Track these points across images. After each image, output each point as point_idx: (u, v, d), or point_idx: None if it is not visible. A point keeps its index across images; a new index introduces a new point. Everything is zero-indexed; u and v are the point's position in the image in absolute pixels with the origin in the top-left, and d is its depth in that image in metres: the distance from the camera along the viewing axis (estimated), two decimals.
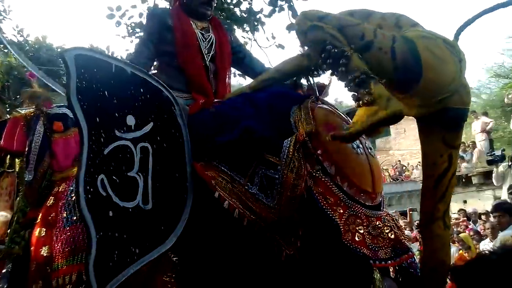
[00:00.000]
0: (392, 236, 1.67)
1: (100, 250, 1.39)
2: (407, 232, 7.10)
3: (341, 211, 1.57)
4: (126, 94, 1.62)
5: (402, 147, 21.88)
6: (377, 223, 1.66)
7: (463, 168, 11.91)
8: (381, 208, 1.79)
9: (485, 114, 13.06)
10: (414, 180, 15.84)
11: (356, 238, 1.55)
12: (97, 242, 1.37)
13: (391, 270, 1.65)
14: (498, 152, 9.06)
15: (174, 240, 1.63)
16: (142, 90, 1.67)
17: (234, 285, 1.75)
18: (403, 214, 10.36)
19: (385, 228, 1.68)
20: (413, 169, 17.24)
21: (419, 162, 16.23)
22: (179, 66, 2.16)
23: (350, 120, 1.95)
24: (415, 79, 1.51)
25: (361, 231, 1.58)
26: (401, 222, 6.99)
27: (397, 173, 17.50)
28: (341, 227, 1.53)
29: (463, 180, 11.85)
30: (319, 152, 1.65)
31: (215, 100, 2.12)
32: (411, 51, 1.50)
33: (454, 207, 10.11)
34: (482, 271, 1.25)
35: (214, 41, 2.24)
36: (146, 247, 1.54)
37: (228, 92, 2.25)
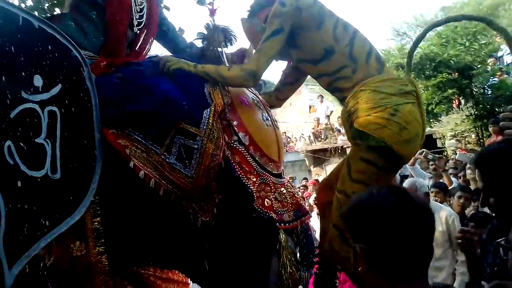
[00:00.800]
0: (294, 201, 1.85)
1: (10, 224, 1.28)
2: None
3: (254, 179, 1.68)
4: (33, 51, 1.47)
5: (287, 119, 23.11)
6: (282, 189, 1.83)
7: (339, 140, 13.12)
8: (283, 176, 1.96)
9: None
10: (297, 151, 16.97)
11: (266, 204, 1.69)
12: (6, 215, 1.27)
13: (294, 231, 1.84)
14: None
15: (83, 211, 1.57)
16: (49, 48, 1.52)
17: (153, 253, 1.78)
18: None
19: (287, 193, 1.85)
20: (296, 141, 18.42)
21: (302, 134, 17.50)
22: (98, 21, 1.94)
23: (258, 94, 2.07)
24: None
25: (270, 197, 1.72)
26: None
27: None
28: (254, 194, 1.65)
29: (339, 151, 13.08)
30: (235, 123, 1.73)
31: (117, 62, 1.92)
32: None
33: None
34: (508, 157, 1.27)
35: (145, 9, 2.06)
36: (56, 219, 1.46)
37: None
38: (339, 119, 14.94)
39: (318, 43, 1.83)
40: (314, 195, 8.06)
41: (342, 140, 12.90)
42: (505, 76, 9.06)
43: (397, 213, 0.98)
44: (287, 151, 18.10)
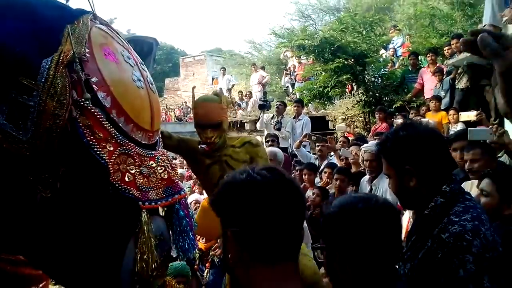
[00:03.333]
0: (166, 176, 1.61)
1: None
2: (180, 170, 7.43)
3: (111, 148, 1.39)
4: None
5: (189, 89, 22.56)
6: (151, 162, 1.57)
7: (239, 115, 13.09)
8: (157, 148, 1.71)
9: (263, 68, 14.54)
10: None
11: (126, 179, 1.42)
12: None
13: (160, 209, 1.60)
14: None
15: None
16: None
17: None
18: None
19: (158, 168, 1.60)
20: None
21: None
22: None
23: (131, 49, 1.75)
24: None
25: (132, 171, 1.45)
26: (176, 161, 7.23)
27: (182, 114, 18.03)
28: (109, 166, 1.37)
29: (238, 125, 13.09)
30: (93, 79, 1.41)
31: None
32: None
33: None
34: None
35: None
36: None
37: None
38: (240, 93, 14.97)
39: None
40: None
41: (241, 115, 12.90)
42: (394, 68, 9.73)
43: (269, 191, 0.96)
44: (186, 121, 17.73)
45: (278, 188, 0.97)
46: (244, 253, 0.96)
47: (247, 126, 12.54)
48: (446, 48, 7.33)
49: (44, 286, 1.87)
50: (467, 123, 5.60)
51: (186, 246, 1.72)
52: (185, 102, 19.69)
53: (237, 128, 13.20)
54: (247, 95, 13.64)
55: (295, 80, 12.20)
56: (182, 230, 1.69)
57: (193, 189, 6.80)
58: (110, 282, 1.41)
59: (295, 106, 7.62)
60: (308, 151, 6.64)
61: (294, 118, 7.48)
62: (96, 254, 1.39)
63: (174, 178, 1.68)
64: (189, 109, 18.91)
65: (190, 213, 1.78)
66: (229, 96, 15.08)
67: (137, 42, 1.91)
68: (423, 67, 8.14)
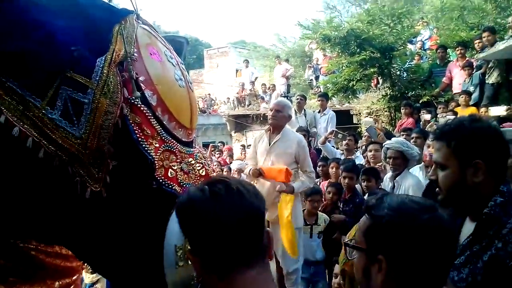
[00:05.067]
0: (203, 173, 1.68)
1: None
2: None
3: (157, 145, 1.46)
4: None
5: (213, 81, 22.68)
6: (190, 159, 1.63)
7: (262, 108, 13.12)
8: (194, 145, 1.77)
9: (287, 61, 14.47)
10: (219, 114, 16.76)
11: (169, 175, 1.49)
12: None
13: None
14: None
15: None
16: None
17: (30, 227, 1.50)
18: (206, 145, 10.95)
19: (197, 165, 1.67)
20: (221, 104, 18.17)
21: (228, 97, 17.26)
22: None
23: (172, 49, 1.81)
24: None
25: (174, 167, 1.52)
26: None
27: (206, 106, 18.18)
28: (155, 162, 1.43)
29: (261, 118, 13.11)
30: (141, 78, 1.47)
31: None
32: None
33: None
34: None
35: None
36: None
37: None
38: (263, 86, 14.95)
39: None
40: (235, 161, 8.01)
41: (264, 107, 12.92)
42: (421, 61, 9.55)
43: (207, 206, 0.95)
44: (210, 113, 17.87)
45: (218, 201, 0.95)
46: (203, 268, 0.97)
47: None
48: (477, 41, 7.14)
49: (77, 279, 1.98)
50: (497, 119, 5.49)
51: None
52: (209, 94, 19.82)
53: (260, 121, 13.23)
54: (271, 88, 13.62)
55: (320, 73, 12.12)
56: None
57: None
58: (153, 261, 1.47)
59: (319, 100, 7.57)
60: (333, 146, 6.63)
61: (318, 112, 7.45)
62: (138, 245, 1.46)
63: (211, 174, 1.74)
64: (212, 101, 19.04)
65: None
66: (252, 89, 15.11)
67: (169, 41, 1.97)
68: (451, 60, 7.96)
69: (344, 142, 5.65)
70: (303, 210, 3.94)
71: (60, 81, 1.32)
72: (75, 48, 1.34)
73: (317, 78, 12.48)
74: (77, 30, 1.42)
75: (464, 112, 6.22)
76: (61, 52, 1.33)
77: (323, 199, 4.20)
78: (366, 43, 8.45)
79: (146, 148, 1.41)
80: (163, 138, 1.50)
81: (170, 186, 1.47)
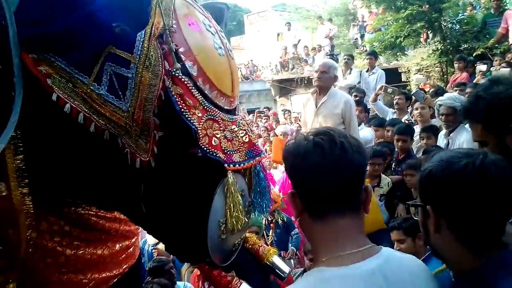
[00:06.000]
0: (247, 140, 1.70)
1: None
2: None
3: (200, 114, 1.49)
4: None
5: (255, 46, 22.46)
6: (233, 127, 1.66)
7: (306, 71, 12.89)
8: (237, 112, 1.78)
9: (330, 20, 14.01)
10: (263, 80, 16.69)
11: (213, 143, 1.52)
12: None
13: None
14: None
15: (2, 147, 1.36)
16: None
17: (87, 195, 1.62)
18: (251, 112, 11.00)
19: (240, 131, 1.69)
20: (263, 69, 18.06)
21: (270, 62, 17.09)
22: None
23: (211, 17, 1.81)
24: None
25: (218, 135, 1.55)
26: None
27: (248, 72, 18.14)
28: (199, 131, 1.47)
29: (305, 82, 12.92)
30: (181, 49, 1.49)
31: None
32: None
33: (298, 107, 10.97)
34: None
35: None
36: None
37: None
38: (305, 48, 14.62)
39: None
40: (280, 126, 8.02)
41: (308, 70, 12.69)
42: (474, 11, 8.92)
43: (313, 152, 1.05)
44: (253, 79, 17.83)
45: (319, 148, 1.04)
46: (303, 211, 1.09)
47: (316, 82, 12.39)
48: None
49: (136, 241, 2.11)
50: None
51: (264, 206, 1.83)
52: (251, 60, 19.70)
53: (305, 85, 13.05)
54: (316, 49, 13.30)
55: (365, 31, 11.66)
56: (262, 190, 1.79)
57: None
58: (198, 232, 1.55)
59: (367, 59, 7.35)
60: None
61: (367, 71, 7.22)
62: (186, 211, 1.53)
63: (254, 141, 1.77)
64: (255, 67, 18.94)
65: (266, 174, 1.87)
66: (295, 52, 14.84)
67: (209, 8, 1.96)
68: (507, 9, 7.38)
69: (395, 101, 5.46)
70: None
71: (104, 57, 1.37)
72: (116, 24, 1.38)
73: (362, 36, 12.03)
74: (116, 5, 1.45)
75: None
76: (103, 30, 1.37)
77: (385, 162, 4.10)
78: None
79: (189, 118, 1.45)
80: (205, 107, 1.52)
81: (215, 154, 1.51)
